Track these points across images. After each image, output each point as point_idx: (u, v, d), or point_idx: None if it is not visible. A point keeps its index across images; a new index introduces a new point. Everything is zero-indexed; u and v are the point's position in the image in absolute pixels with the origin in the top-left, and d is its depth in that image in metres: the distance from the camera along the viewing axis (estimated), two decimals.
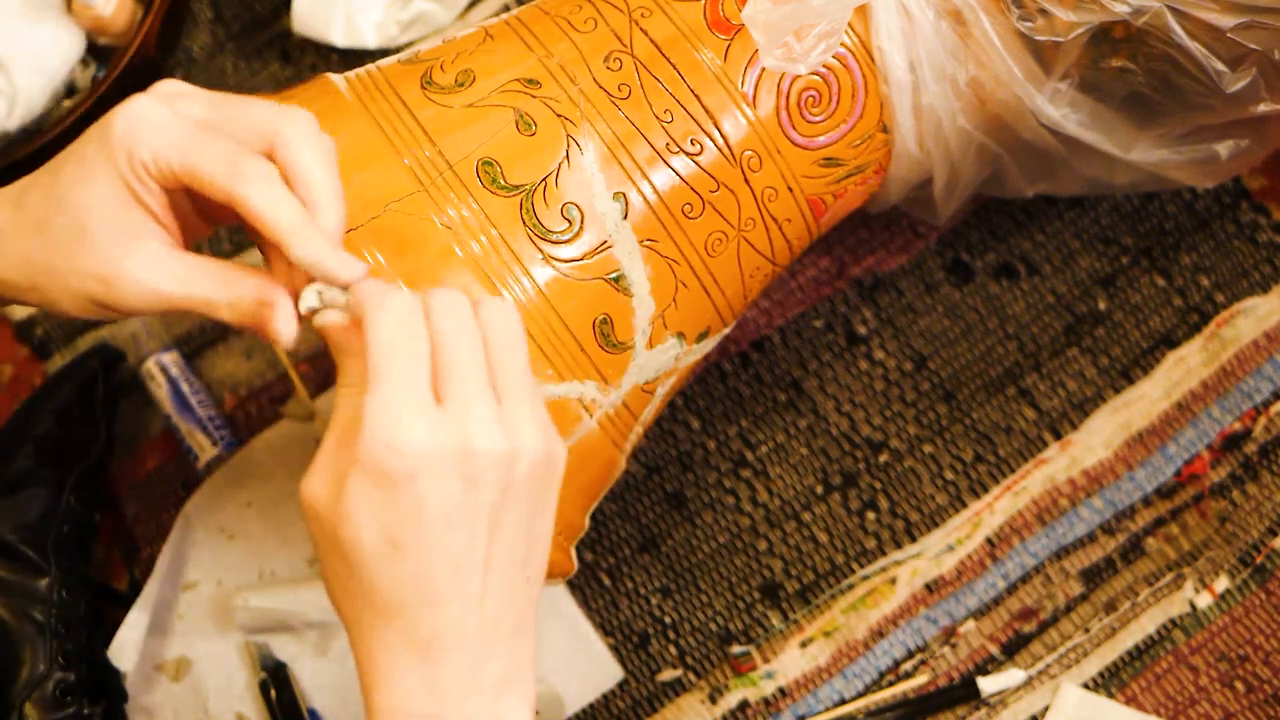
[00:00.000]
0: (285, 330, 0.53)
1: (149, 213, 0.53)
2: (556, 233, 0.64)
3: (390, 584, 0.50)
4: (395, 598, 0.50)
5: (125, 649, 0.83)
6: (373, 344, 0.50)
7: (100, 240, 0.52)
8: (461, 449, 0.49)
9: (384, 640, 0.50)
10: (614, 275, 0.65)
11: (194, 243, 0.58)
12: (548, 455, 0.52)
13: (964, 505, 0.85)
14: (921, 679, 0.82)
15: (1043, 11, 0.68)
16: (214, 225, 0.60)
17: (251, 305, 0.53)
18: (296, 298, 0.53)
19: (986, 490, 0.85)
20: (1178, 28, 0.68)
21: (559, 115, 0.66)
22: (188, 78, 0.99)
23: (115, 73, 0.93)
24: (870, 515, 0.86)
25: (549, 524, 0.53)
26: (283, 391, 0.92)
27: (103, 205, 0.52)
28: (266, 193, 0.52)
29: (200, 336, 0.93)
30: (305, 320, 0.54)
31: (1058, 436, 0.85)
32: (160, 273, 0.53)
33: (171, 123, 0.52)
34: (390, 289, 0.51)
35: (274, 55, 0.98)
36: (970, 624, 0.83)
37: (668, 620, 0.85)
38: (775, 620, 0.84)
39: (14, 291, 0.55)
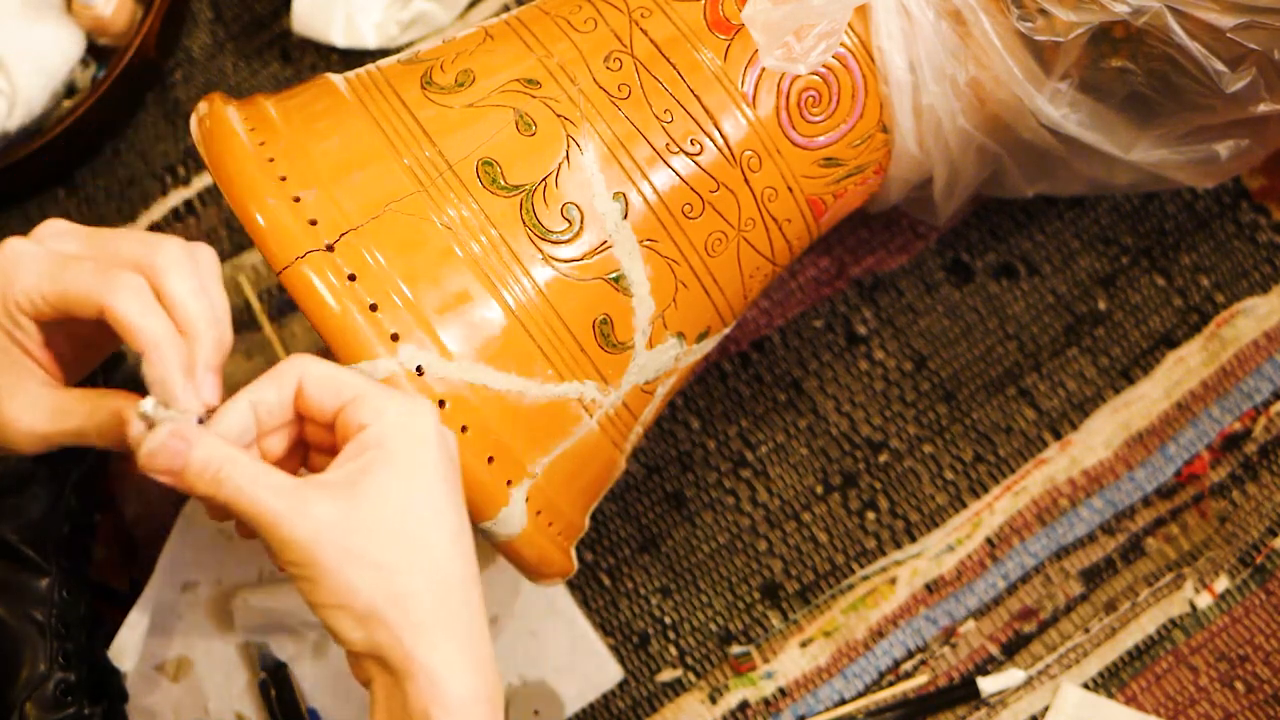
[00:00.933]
0: (132, 439, 0.53)
1: (25, 352, 0.54)
2: (556, 233, 0.64)
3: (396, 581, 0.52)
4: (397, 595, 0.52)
5: (125, 649, 0.83)
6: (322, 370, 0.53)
7: None
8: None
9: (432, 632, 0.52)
10: (614, 275, 0.65)
11: (74, 381, 0.58)
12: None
13: (964, 505, 0.85)
14: (921, 679, 0.82)
15: (1043, 11, 0.68)
16: (95, 360, 0.60)
17: (114, 426, 0.53)
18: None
19: (986, 490, 0.85)
20: (1178, 28, 0.68)
21: (559, 115, 0.66)
22: (187, 78, 0.99)
23: (115, 73, 0.93)
24: (870, 515, 0.86)
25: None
26: None
27: None
28: (133, 303, 0.52)
29: None
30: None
31: (1058, 436, 0.85)
32: (37, 412, 0.53)
33: (41, 255, 0.53)
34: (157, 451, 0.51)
35: (274, 55, 0.98)
36: (970, 624, 0.83)
37: (668, 620, 0.85)
38: (775, 620, 0.84)
39: None
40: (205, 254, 0.55)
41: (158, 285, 0.53)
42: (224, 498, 0.50)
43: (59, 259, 0.53)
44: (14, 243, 0.54)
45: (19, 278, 0.53)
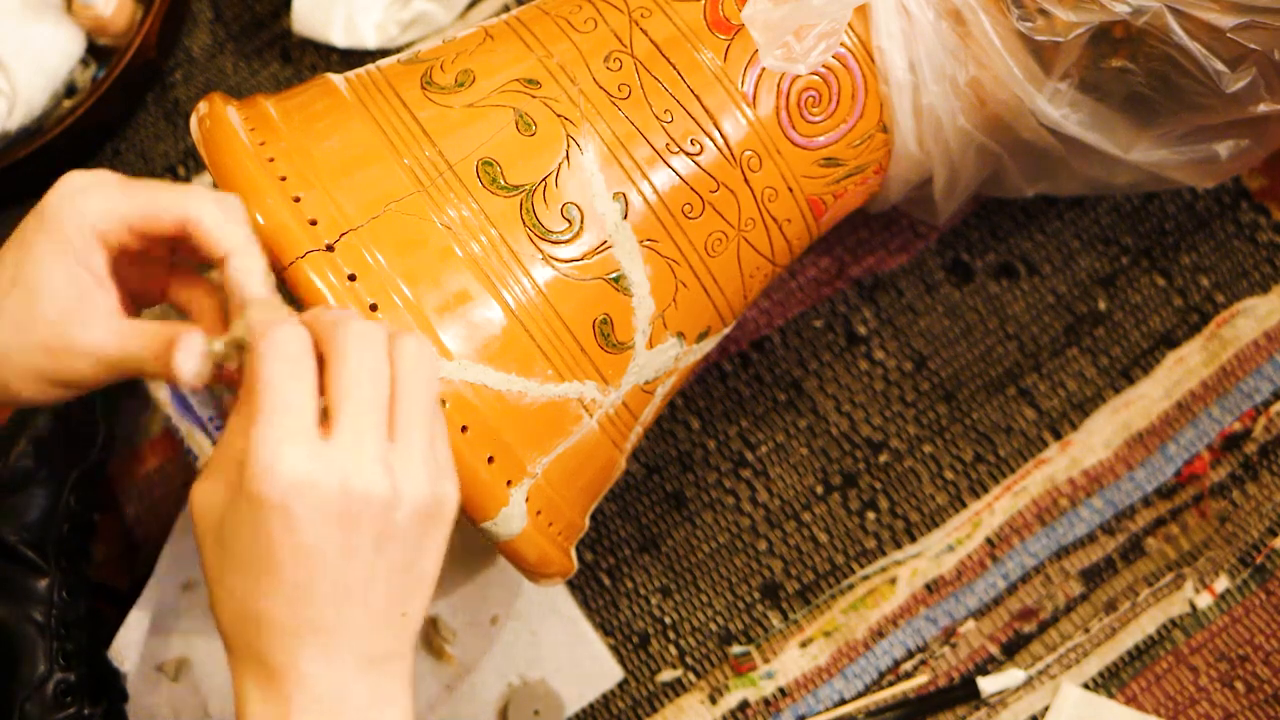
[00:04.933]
0: (182, 366, 0.52)
1: (95, 277, 0.54)
2: (556, 233, 0.64)
3: (253, 606, 0.50)
4: (257, 621, 0.50)
5: (125, 649, 0.83)
6: (261, 371, 0.49)
7: (48, 313, 0.53)
8: (339, 486, 0.49)
9: (243, 657, 0.51)
10: (614, 275, 0.65)
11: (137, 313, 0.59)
12: (433, 500, 0.51)
13: (964, 505, 0.85)
14: (921, 679, 0.82)
15: (1043, 11, 0.68)
16: (150, 303, 0.60)
17: (167, 352, 0.53)
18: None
19: (986, 490, 0.85)
20: (1178, 28, 0.68)
21: (559, 115, 0.66)
22: (187, 78, 0.99)
23: (115, 73, 0.93)
24: (870, 515, 0.86)
25: (434, 564, 0.53)
26: None
27: (50, 278, 0.53)
28: (217, 212, 0.53)
29: None
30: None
31: (1058, 436, 0.85)
32: (106, 334, 0.54)
33: (108, 180, 0.54)
34: (280, 321, 0.51)
35: (274, 55, 0.98)
36: (970, 624, 0.83)
37: (668, 620, 0.85)
38: (775, 620, 0.84)
39: None
40: (234, 201, 0.55)
41: (197, 225, 0.54)
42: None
43: (126, 182, 0.54)
44: (77, 175, 0.54)
45: (92, 202, 0.53)
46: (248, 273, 0.53)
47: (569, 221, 0.65)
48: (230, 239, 0.53)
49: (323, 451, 0.49)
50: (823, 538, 0.85)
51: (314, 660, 0.50)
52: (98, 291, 0.54)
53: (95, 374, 0.54)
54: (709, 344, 0.72)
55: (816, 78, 0.69)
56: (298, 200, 0.61)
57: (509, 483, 0.62)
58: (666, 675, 0.84)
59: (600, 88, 0.67)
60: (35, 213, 0.54)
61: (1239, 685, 0.80)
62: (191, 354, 0.52)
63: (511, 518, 0.63)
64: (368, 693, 0.51)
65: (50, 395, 0.55)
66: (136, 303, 0.59)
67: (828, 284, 0.89)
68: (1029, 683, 0.81)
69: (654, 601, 0.86)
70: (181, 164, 0.97)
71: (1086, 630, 0.82)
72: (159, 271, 0.59)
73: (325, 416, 0.50)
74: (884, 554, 0.85)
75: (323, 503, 0.48)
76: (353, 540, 0.49)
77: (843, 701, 0.83)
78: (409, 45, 0.96)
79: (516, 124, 0.65)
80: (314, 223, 0.61)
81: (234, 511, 0.49)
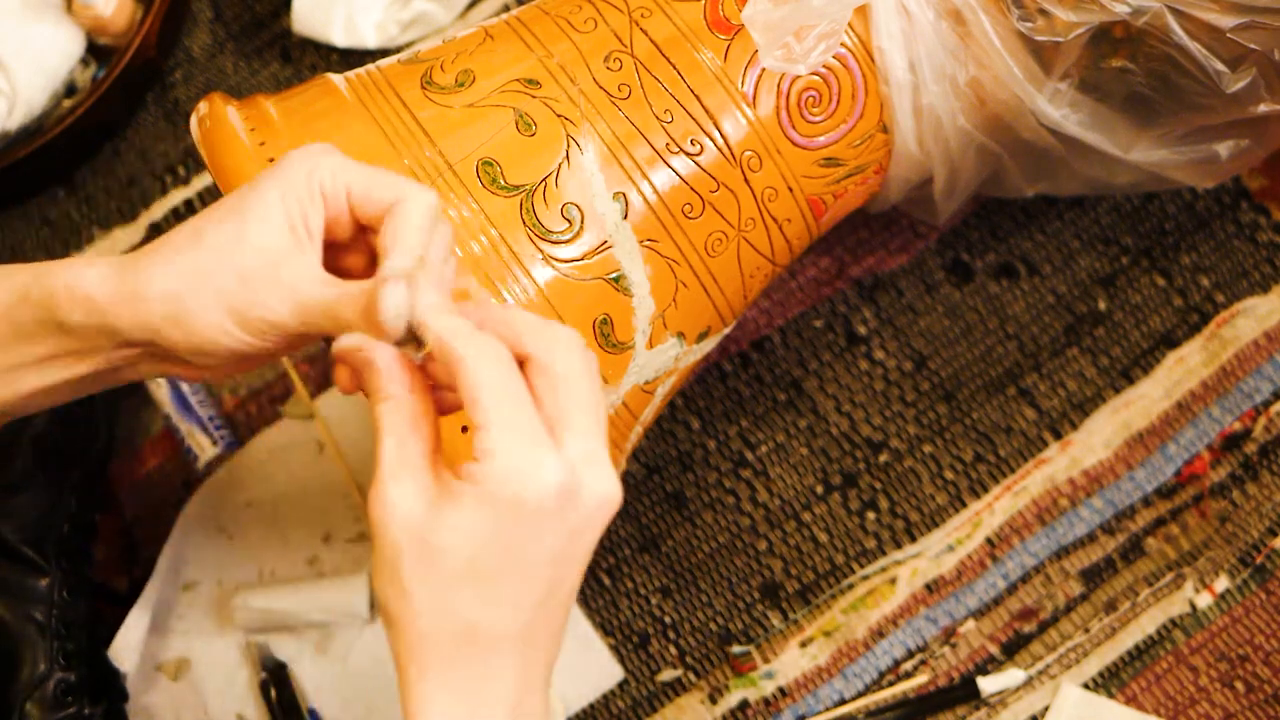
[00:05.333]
0: (390, 300, 0.52)
1: (309, 229, 0.53)
2: (556, 233, 0.64)
3: (472, 611, 0.50)
4: (468, 627, 0.50)
5: (125, 649, 0.83)
6: (482, 381, 0.49)
7: (257, 239, 0.53)
8: (574, 491, 0.50)
9: (437, 666, 0.50)
10: (614, 275, 0.65)
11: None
12: (620, 502, 0.53)
13: (964, 505, 0.85)
14: (921, 679, 0.82)
15: (1043, 11, 0.68)
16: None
17: (361, 301, 0.52)
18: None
19: (986, 490, 0.85)
20: (1178, 28, 0.68)
21: (559, 115, 0.66)
22: (187, 78, 0.99)
23: (115, 73, 0.93)
24: (870, 515, 0.86)
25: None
26: (283, 391, 0.92)
27: (268, 212, 0.53)
28: (420, 215, 0.52)
29: None
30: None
31: (1058, 436, 0.85)
32: (310, 277, 0.53)
33: (342, 156, 0.54)
34: (475, 330, 0.50)
35: (274, 55, 0.98)
36: (970, 624, 0.83)
37: (668, 620, 0.85)
38: (775, 620, 0.84)
39: (158, 314, 0.54)
40: (436, 199, 0.55)
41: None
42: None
43: (358, 163, 0.54)
44: (316, 145, 0.55)
45: (326, 160, 0.54)
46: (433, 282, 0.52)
47: (569, 221, 0.65)
48: (423, 245, 0.52)
49: (563, 460, 0.49)
50: (823, 538, 0.85)
51: (517, 671, 0.51)
52: (309, 241, 0.54)
53: (283, 318, 0.53)
54: (709, 344, 0.72)
55: (816, 78, 0.69)
56: None
57: None
58: (666, 675, 0.84)
59: (600, 88, 0.67)
60: (280, 161, 0.54)
61: (1239, 685, 0.80)
62: (398, 295, 0.51)
63: None
64: (540, 704, 0.53)
65: (226, 340, 0.54)
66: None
67: (828, 284, 0.89)
68: (1029, 683, 0.81)
69: (654, 601, 0.86)
70: (181, 164, 0.97)
71: (1086, 630, 0.82)
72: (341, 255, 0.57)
73: None
74: (884, 554, 0.85)
75: (563, 510, 0.49)
76: (579, 548, 0.51)
77: (843, 701, 0.83)
78: (409, 45, 0.96)
79: (516, 124, 0.65)
80: None
81: (469, 518, 0.49)
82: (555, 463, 0.49)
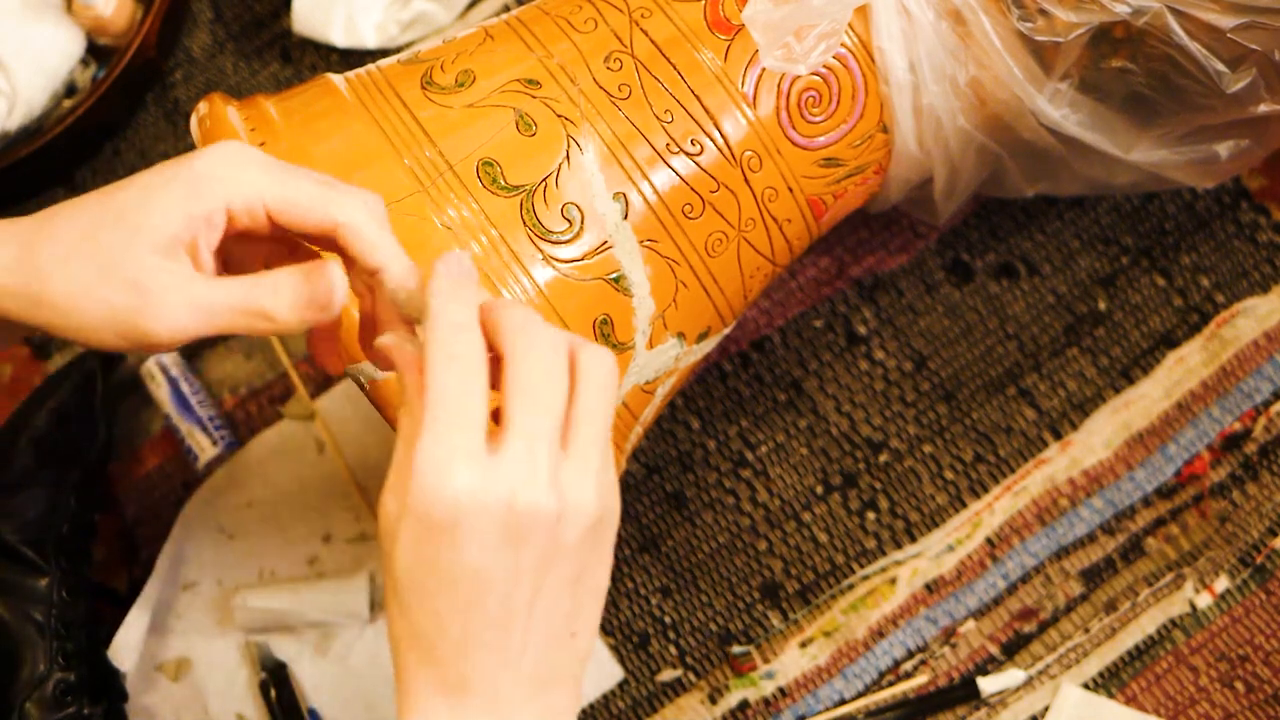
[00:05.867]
0: (333, 296, 0.51)
1: (197, 250, 0.52)
2: (557, 233, 0.64)
3: (426, 622, 0.49)
4: (430, 636, 0.49)
5: (125, 649, 0.83)
6: (431, 381, 0.48)
7: (148, 257, 0.51)
8: (506, 504, 0.47)
9: (418, 673, 0.50)
10: (614, 275, 0.65)
11: None
12: (601, 516, 0.50)
13: (964, 505, 0.85)
14: (921, 679, 0.82)
15: (1043, 11, 0.68)
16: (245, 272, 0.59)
17: (296, 286, 0.51)
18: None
19: (986, 490, 0.85)
20: (1178, 28, 0.68)
21: (559, 115, 0.66)
22: (188, 78, 0.99)
23: (115, 73, 0.93)
24: (870, 515, 0.86)
25: (602, 581, 0.52)
26: (283, 391, 0.92)
27: (164, 227, 0.51)
28: (370, 221, 0.51)
29: None
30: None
31: (1058, 436, 0.85)
32: (195, 291, 0.51)
33: (268, 161, 0.52)
34: (461, 326, 0.49)
35: (274, 55, 0.98)
36: (970, 624, 0.83)
37: (668, 620, 0.85)
38: (775, 620, 0.84)
39: (44, 306, 0.53)
40: (376, 201, 0.53)
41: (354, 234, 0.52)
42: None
43: (284, 166, 0.52)
44: (234, 145, 0.52)
45: (245, 176, 0.51)
46: (409, 278, 0.51)
47: (569, 221, 0.65)
48: (381, 254, 0.51)
49: (491, 466, 0.47)
50: (823, 538, 0.85)
51: (485, 680, 0.49)
52: (204, 261, 0.52)
53: (186, 322, 0.52)
54: (709, 344, 0.72)
55: (817, 78, 0.69)
56: None
57: None
58: (666, 675, 0.84)
59: (600, 88, 0.67)
60: (185, 159, 0.52)
61: (1239, 685, 0.80)
62: (340, 282, 0.51)
63: None
64: (537, 716, 0.51)
65: (118, 343, 0.52)
66: (231, 272, 0.57)
67: (828, 284, 0.89)
68: (1029, 683, 0.81)
69: (654, 601, 0.86)
70: None
71: (1086, 630, 0.82)
72: (260, 244, 0.56)
73: (497, 417, 0.48)
74: (884, 554, 0.85)
75: (489, 522, 0.47)
76: (520, 560, 0.48)
77: (843, 701, 0.83)
78: (409, 45, 0.96)
79: (517, 124, 0.65)
80: None
81: (404, 526, 0.48)
82: (468, 475, 0.47)
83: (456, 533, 0.47)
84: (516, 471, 0.47)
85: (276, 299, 0.51)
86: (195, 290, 0.51)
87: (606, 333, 0.65)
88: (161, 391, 0.91)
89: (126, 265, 0.51)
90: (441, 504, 0.47)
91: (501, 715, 0.50)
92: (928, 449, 0.86)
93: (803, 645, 0.84)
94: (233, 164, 0.52)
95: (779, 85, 0.69)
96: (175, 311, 0.51)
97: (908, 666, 0.83)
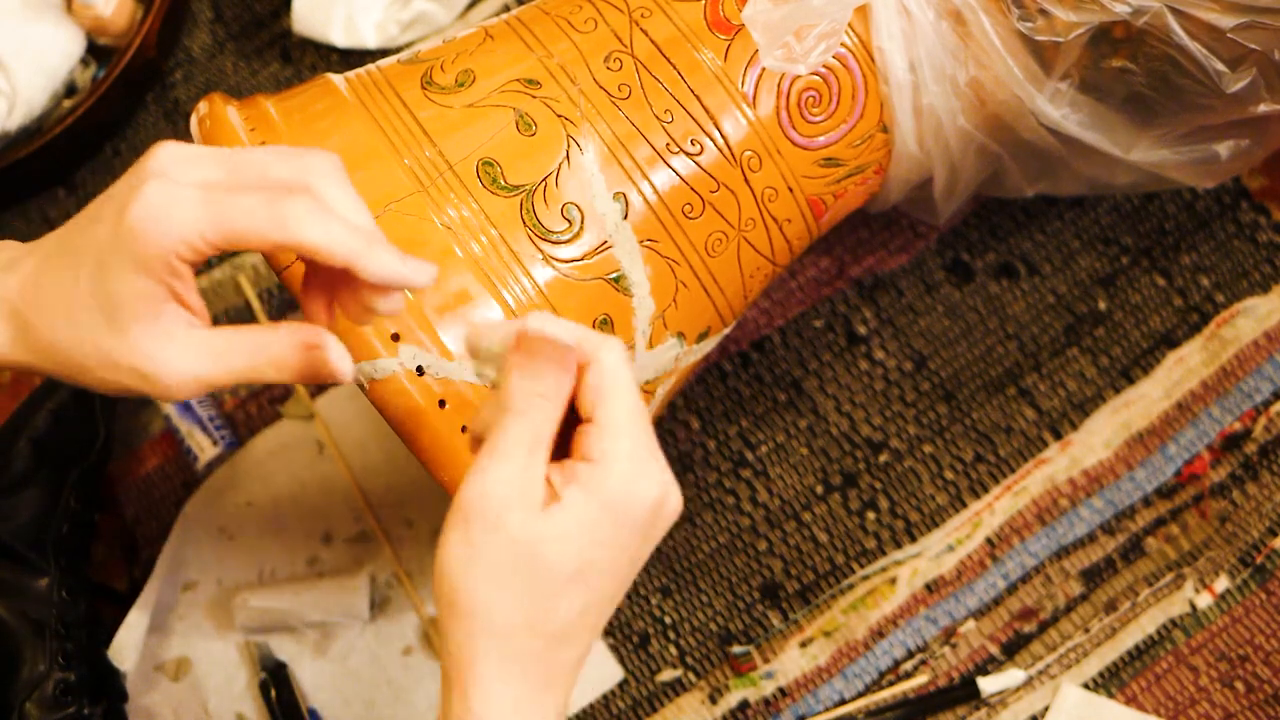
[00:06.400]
0: (341, 365, 0.52)
1: (177, 299, 0.51)
2: (557, 233, 0.64)
3: (562, 612, 0.51)
4: (556, 628, 0.51)
5: (125, 649, 0.83)
6: (611, 395, 0.51)
7: (134, 336, 0.51)
8: (664, 503, 0.52)
9: (517, 662, 0.51)
10: (614, 275, 0.65)
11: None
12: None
13: (964, 505, 0.85)
14: (921, 679, 0.82)
15: (1043, 11, 0.68)
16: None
17: (297, 357, 0.52)
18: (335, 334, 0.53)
19: (986, 490, 0.85)
20: (1178, 28, 0.68)
21: (559, 115, 0.66)
22: (188, 78, 0.99)
23: (115, 73, 0.93)
24: (870, 515, 0.86)
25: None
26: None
27: (134, 302, 0.50)
28: (319, 224, 0.50)
29: None
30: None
31: (1058, 436, 0.85)
32: (199, 357, 0.51)
33: (193, 197, 0.50)
34: (564, 347, 0.51)
35: (274, 55, 0.98)
36: (970, 624, 0.83)
37: (668, 620, 0.85)
38: (775, 620, 0.84)
39: (47, 372, 0.54)
40: (337, 159, 0.53)
41: (319, 196, 0.51)
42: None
43: (214, 197, 0.50)
44: (157, 189, 0.49)
45: (175, 224, 0.49)
46: (386, 273, 0.50)
47: (569, 221, 0.65)
48: (343, 247, 0.50)
49: (662, 468, 0.52)
50: (823, 538, 0.85)
51: (579, 662, 0.53)
52: (180, 313, 0.51)
53: (192, 392, 0.52)
54: (709, 344, 0.72)
55: (817, 78, 0.69)
56: None
57: None
58: (666, 675, 0.84)
59: (600, 88, 0.67)
60: (115, 218, 0.50)
61: (1239, 685, 0.80)
62: (342, 354, 0.51)
63: None
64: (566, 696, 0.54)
65: (136, 396, 0.54)
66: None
67: (828, 284, 0.89)
68: (1029, 683, 0.81)
69: (654, 601, 0.86)
70: None
71: (1086, 630, 0.82)
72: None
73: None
74: (884, 554, 0.85)
75: (661, 513, 0.53)
76: (648, 553, 0.54)
77: (843, 701, 0.83)
78: (409, 45, 0.96)
79: (517, 124, 0.65)
80: None
81: (572, 524, 0.50)
82: (660, 475, 0.51)
83: (650, 526, 0.52)
84: (666, 468, 0.52)
85: (280, 373, 0.52)
86: (200, 367, 0.51)
87: (606, 333, 0.65)
88: None
89: (121, 350, 0.51)
90: (641, 505, 0.51)
91: (567, 691, 0.53)
92: (928, 449, 0.86)
93: (803, 645, 0.84)
94: (160, 209, 0.49)
95: (779, 85, 0.69)
96: (185, 387, 0.52)
97: (908, 666, 0.83)
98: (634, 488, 0.50)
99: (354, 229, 0.50)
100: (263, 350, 0.52)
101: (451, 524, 0.50)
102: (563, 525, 0.50)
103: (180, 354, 0.51)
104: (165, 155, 0.50)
